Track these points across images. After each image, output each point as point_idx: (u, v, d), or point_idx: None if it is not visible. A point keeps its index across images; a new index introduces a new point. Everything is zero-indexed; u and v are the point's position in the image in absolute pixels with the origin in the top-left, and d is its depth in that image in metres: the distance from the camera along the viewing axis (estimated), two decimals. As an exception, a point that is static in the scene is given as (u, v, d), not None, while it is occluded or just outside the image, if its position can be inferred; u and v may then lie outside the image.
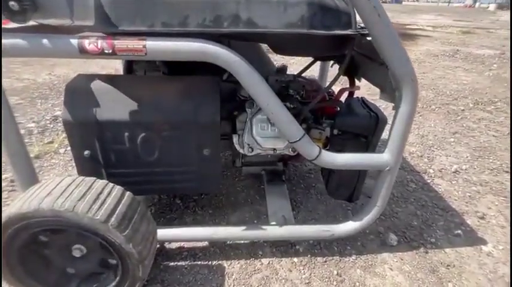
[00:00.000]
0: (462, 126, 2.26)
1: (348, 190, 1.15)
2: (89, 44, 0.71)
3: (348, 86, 1.18)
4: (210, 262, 1.08)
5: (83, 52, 0.72)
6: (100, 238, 0.79)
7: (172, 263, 1.07)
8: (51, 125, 2.06)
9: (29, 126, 1.99)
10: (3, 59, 0.72)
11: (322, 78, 1.65)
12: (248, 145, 1.07)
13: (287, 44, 0.90)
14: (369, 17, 0.72)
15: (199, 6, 0.76)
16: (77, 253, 0.86)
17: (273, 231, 1.07)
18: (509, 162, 1.78)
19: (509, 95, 2.90)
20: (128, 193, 0.87)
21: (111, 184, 0.85)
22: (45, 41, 0.70)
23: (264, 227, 1.07)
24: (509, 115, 2.46)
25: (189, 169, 1.04)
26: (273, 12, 0.78)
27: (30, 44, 0.70)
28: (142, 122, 0.95)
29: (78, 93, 0.94)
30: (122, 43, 0.72)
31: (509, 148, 1.93)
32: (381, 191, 1.00)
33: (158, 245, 1.09)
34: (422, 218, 1.33)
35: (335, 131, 1.05)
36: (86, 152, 0.96)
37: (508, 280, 1.06)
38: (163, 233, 1.02)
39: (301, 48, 0.94)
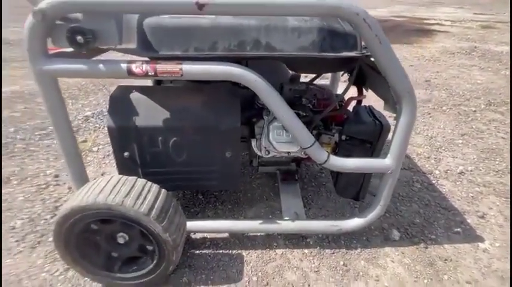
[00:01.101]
0: (472, 128, 2.32)
1: (354, 189, 1.27)
2: (136, 67, 0.86)
3: (356, 94, 1.30)
4: (230, 251, 1.23)
5: (130, 74, 0.87)
6: (142, 228, 0.95)
7: (197, 251, 1.23)
8: (84, 125, 2.26)
9: (65, 125, 2.19)
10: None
11: (334, 84, 1.76)
12: (265, 148, 1.21)
13: (301, 64, 1.03)
14: (371, 44, 0.84)
15: (226, 33, 0.90)
16: (120, 240, 1.03)
17: (286, 225, 1.21)
18: (515, 164, 1.85)
19: (523, 96, 2.92)
20: (163, 190, 1.03)
21: (149, 183, 1.01)
22: (101, 65, 0.85)
23: (278, 221, 1.21)
24: (520, 117, 2.50)
25: (212, 168, 1.19)
26: (288, 37, 0.91)
27: (90, 67, 0.86)
28: (173, 128, 1.10)
29: (119, 103, 1.10)
30: (162, 67, 0.86)
31: (516, 150, 1.99)
32: (383, 192, 1.11)
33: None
34: (425, 216, 1.44)
35: (343, 137, 1.17)
36: (126, 154, 1.12)
37: (501, 274, 1.16)
38: (189, 224, 1.18)
39: (313, 68, 1.06)
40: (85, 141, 2.03)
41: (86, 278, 1.09)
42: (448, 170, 1.80)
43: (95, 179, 1.00)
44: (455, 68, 4.01)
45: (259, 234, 1.31)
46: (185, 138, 1.11)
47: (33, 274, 1.11)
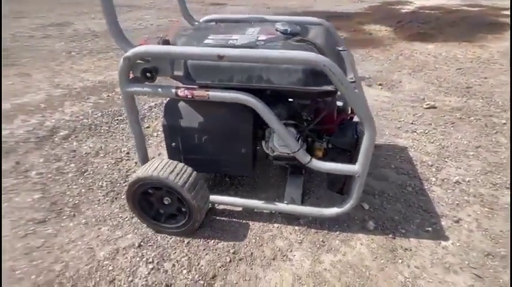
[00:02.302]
0: (490, 141, 2.40)
1: (339, 185, 1.62)
2: (180, 92, 1.33)
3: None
4: (241, 220, 1.69)
5: (176, 95, 1.34)
6: (179, 195, 1.45)
7: (218, 218, 1.71)
8: (148, 114, 2.87)
9: (135, 114, 2.83)
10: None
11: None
12: (271, 148, 1.61)
13: (293, 94, 1.40)
14: (336, 85, 1.18)
15: (238, 71, 1.32)
16: (166, 202, 1.55)
17: (281, 206, 1.62)
18: (517, 179, 1.97)
19: None
20: (194, 172, 1.51)
21: (186, 166, 1.50)
22: (159, 89, 1.35)
23: (276, 203, 1.63)
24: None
25: (232, 159, 1.63)
26: (282, 75, 1.29)
27: (153, 90, 1.36)
28: (205, 129, 1.56)
29: (171, 110, 1.59)
30: (196, 92, 1.32)
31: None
32: (354, 189, 1.45)
33: (211, 205, 1.74)
34: (404, 215, 1.72)
35: (330, 145, 1.53)
36: (173, 144, 1.63)
37: (448, 266, 1.43)
38: (213, 197, 1.65)
39: (302, 96, 1.42)
40: (148, 127, 2.64)
41: (143, 224, 1.64)
42: (445, 178, 2.00)
43: (153, 158, 1.53)
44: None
45: (264, 211, 1.74)
46: (213, 137, 1.57)
47: (112, 217, 1.71)
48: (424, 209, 1.76)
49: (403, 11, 8.43)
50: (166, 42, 1.37)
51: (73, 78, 3.69)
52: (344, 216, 1.67)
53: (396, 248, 1.52)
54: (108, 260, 1.47)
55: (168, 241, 1.57)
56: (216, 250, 1.52)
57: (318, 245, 1.54)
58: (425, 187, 1.93)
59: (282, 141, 1.42)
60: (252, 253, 1.50)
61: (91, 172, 2.06)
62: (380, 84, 3.53)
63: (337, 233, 1.61)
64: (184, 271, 1.41)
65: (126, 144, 2.38)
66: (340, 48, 1.81)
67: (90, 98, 3.16)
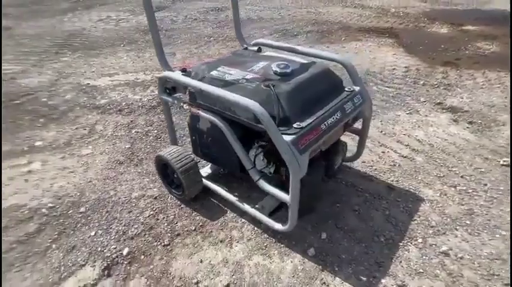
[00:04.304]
0: (549, 230, 1.90)
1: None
2: (185, 106, 1.92)
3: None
4: (224, 207, 2.20)
5: (183, 108, 1.94)
6: (178, 176, 2.09)
7: (212, 199, 2.27)
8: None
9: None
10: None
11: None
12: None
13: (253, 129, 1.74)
14: (266, 130, 1.49)
15: (219, 100, 1.77)
16: (175, 176, 2.23)
17: (246, 208, 2.02)
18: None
19: None
20: (193, 161, 2.11)
21: (189, 155, 2.11)
22: (176, 101, 1.97)
23: (245, 204, 2.04)
24: None
25: (226, 159, 2.12)
26: (242, 110, 1.67)
27: (173, 100, 2.00)
28: (210, 134, 2.09)
29: (193, 116, 2.20)
30: (193, 109, 1.87)
31: None
32: (289, 216, 1.71)
33: (210, 189, 2.30)
34: (353, 257, 1.80)
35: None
36: (193, 138, 2.25)
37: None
38: (206, 182, 2.22)
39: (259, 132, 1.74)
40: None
41: (163, 187, 2.39)
42: (434, 244, 1.85)
43: (176, 145, 2.21)
44: None
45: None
46: (214, 141, 2.10)
47: (155, 175, 2.53)
48: (377, 262, 1.78)
49: None
50: (183, 70, 1.95)
51: (198, 61, 4.78)
52: (297, 235, 1.92)
53: (316, 278, 1.70)
54: (136, 199, 2.30)
55: (172, 201, 2.27)
56: (192, 219, 2.12)
57: (258, 247, 1.90)
58: (401, 244, 1.87)
59: (240, 159, 1.81)
60: (211, 231, 2.02)
61: (162, 139, 2.97)
62: (470, 123, 3.03)
63: (282, 245, 1.90)
64: (166, 224, 2.08)
65: (195, 125, 3.18)
66: (346, 88, 1.94)
67: (198, 82, 4.13)
